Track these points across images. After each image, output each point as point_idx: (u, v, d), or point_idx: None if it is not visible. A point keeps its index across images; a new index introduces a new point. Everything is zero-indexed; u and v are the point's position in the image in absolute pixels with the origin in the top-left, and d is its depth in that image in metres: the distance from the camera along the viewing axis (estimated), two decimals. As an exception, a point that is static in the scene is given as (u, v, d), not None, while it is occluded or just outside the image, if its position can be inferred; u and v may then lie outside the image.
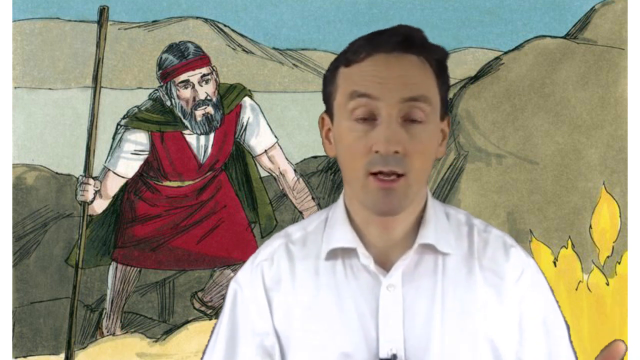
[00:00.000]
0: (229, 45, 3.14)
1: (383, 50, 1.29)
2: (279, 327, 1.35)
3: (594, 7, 3.16)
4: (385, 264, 1.33)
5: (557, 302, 1.39)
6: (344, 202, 1.38)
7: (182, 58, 3.06)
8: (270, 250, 1.40)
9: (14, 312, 2.98)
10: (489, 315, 1.32)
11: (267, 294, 1.36)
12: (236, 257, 3.08)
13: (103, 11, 3.00)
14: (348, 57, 1.31)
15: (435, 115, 1.31)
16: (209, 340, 1.42)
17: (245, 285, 1.39)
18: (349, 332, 1.31)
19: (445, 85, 1.34)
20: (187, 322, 3.07)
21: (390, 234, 1.33)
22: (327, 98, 1.35)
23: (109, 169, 3.07)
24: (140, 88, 3.10)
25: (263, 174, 3.14)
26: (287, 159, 3.12)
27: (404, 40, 1.30)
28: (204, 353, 1.42)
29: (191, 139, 3.08)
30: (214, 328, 1.43)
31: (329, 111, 1.35)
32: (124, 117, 3.07)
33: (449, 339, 1.30)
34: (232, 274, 3.09)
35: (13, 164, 2.99)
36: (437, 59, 1.32)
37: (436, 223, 1.35)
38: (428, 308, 1.31)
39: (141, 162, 3.08)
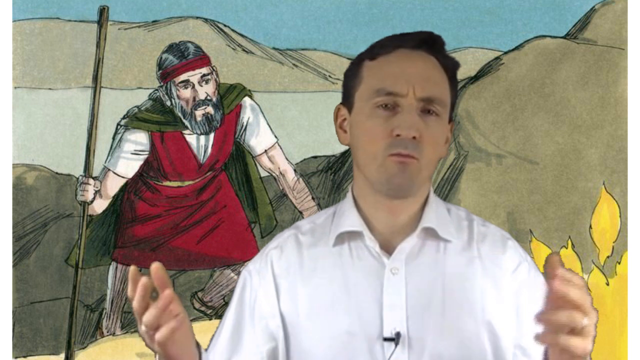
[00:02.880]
0: (229, 45, 3.14)
1: (408, 46, 1.39)
2: (285, 310, 1.42)
3: (594, 7, 3.16)
4: (389, 249, 1.40)
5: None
6: (352, 192, 1.46)
7: (182, 58, 3.06)
8: (280, 241, 1.49)
9: (14, 312, 2.98)
10: (487, 301, 1.38)
11: (275, 280, 1.44)
12: (236, 257, 3.08)
13: (103, 11, 3.00)
14: (374, 51, 1.41)
15: (446, 116, 1.41)
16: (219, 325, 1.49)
17: (255, 273, 1.47)
18: (353, 313, 1.37)
19: (454, 92, 1.44)
20: (187, 322, 3.07)
21: (396, 219, 1.41)
22: (348, 90, 1.44)
23: (109, 169, 3.07)
24: (140, 88, 3.10)
25: (263, 174, 3.14)
26: (287, 159, 3.12)
27: (429, 39, 1.40)
28: (213, 336, 1.49)
29: (191, 139, 3.08)
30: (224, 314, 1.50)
31: (347, 102, 1.44)
32: (124, 117, 3.07)
33: (449, 320, 1.36)
34: (232, 274, 3.09)
35: (13, 164, 2.99)
36: (452, 66, 1.42)
37: (437, 213, 1.44)
38: (430, 290, 1.37)
39: (141, 162, 3.08)
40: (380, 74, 1.38)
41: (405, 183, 1.35)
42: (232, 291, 3.15)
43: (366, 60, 1.41)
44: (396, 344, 1.33)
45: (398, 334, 1.33)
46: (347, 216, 1.43)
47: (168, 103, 3.06)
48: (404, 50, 1.39)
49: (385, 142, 1.34)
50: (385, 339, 1.34)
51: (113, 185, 3.08)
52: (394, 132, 1.34)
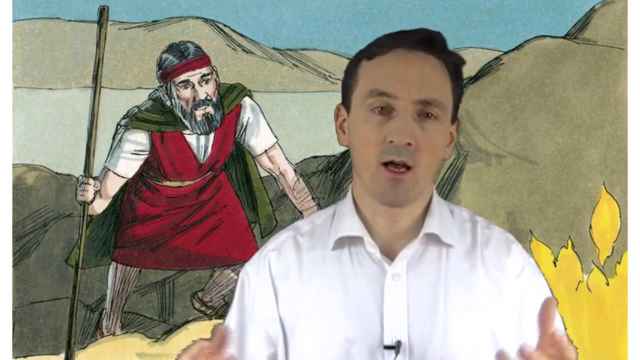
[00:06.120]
0: (229, 45, 3.14)
1: (406, 47, 1.33)
2: (283, 314, 1.38)
3: (594, 7, 3.15)
4: (390, 254, 1.36)
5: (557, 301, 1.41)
6: (352, 195, 1.42)
7: (182, 58, 3.06)
8: (278, 242, 1.44)
9: (14, 312, 2.98)
10: (490, 307, 1.35)
11: (273, 283, 1.40)
12: (236, 257, 3.08)
13: (103, 11, 3.00)
14: (371, 50, 1.35)
15: (447, 118, 1.36)
16: None
17: (252, 275, 1.43)
18: (353, 319, 1.33)
19: (459, 90, 1.40)
20: (187, 322, 3.07)
21: (396, 225, 1.36)
22: (346, 90, 1.39)
23: (109, 169, 3.07)
24: (140, 88, 3.10)
25: (263, 174, 3.14)
26: (287, 159, 3.12)
27: (427, 39, 1.34)
28: None
29: (191, 139, 3.08)
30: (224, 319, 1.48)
31: (345, 102, 1.39)
32: (124, 117, 3.07)
33: (452, 328, 1.33)
34: (232, 274, 3.09)
35: (13, 164, 2.99)
36: (454, 63, 1.38)
37: (440, 216, 1.39)
38: (432, 297, 1.34)
39: (141, 162, 3.08)
40: (375, 75, 1.33)
41: (399, 198, 1.31)
42: (232, 291, 3.15)
43: (363, 60, 1.36)
44: (397, 352, 1.30)
45: (399, 342, 1.30)
46: (347, 220, 1.39)
47: (168, 103, 3.06)
48: (401, 51, 1.33)
49: (379, 149, 1.29)
50: (386, 347, 1.31)
51: (113, 185, 3.08)
52: (387, 138, 1.28)
